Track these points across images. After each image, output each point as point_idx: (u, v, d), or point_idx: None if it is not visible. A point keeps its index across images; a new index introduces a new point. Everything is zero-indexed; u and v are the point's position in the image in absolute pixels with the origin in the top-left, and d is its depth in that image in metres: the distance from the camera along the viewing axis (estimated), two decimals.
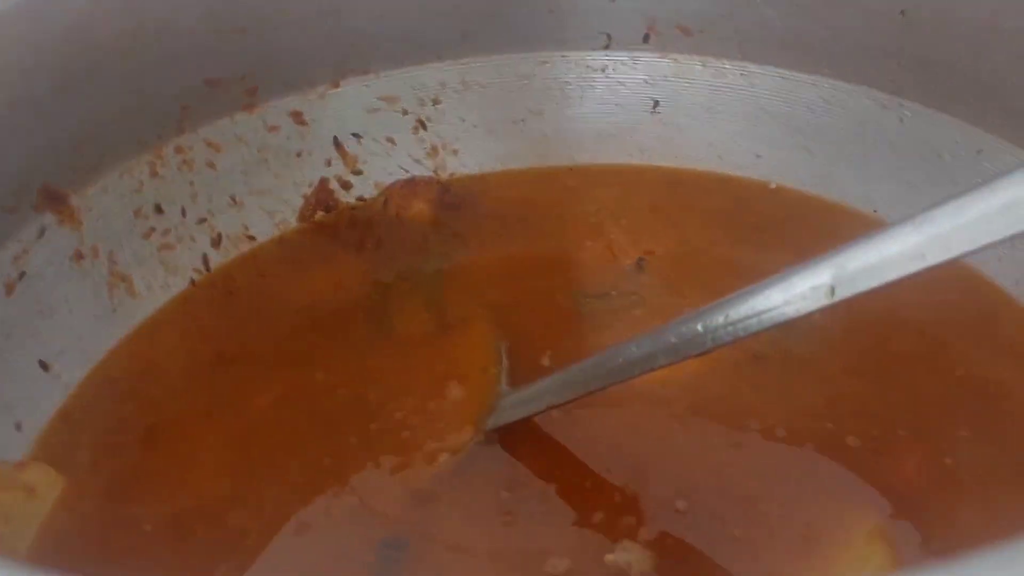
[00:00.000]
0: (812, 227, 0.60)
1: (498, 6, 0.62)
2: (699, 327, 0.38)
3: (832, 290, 0.34)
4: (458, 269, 0.59)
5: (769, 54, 0.61)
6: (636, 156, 0.66)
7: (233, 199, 0.60)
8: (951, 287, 0.53)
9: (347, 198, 0.64)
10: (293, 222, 0.62)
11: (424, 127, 0.65)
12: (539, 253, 0.60)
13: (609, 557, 0.42)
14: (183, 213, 0.58)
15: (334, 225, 0.63)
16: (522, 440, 0.47)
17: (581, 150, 0.66)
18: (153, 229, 0.57)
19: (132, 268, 0.56)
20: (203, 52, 0.55)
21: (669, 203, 0.63)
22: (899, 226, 0.32)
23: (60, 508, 0.47)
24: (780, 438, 0.47)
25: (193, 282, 0.58)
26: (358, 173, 0.64)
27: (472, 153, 0.66)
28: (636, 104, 0.65)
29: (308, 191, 0.63)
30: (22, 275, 0.51)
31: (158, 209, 0.57)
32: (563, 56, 0.65)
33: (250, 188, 0.61)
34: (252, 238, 0.61)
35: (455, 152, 0.65)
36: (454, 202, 0.63)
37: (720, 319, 0.37)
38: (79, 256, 0.53)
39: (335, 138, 0.63)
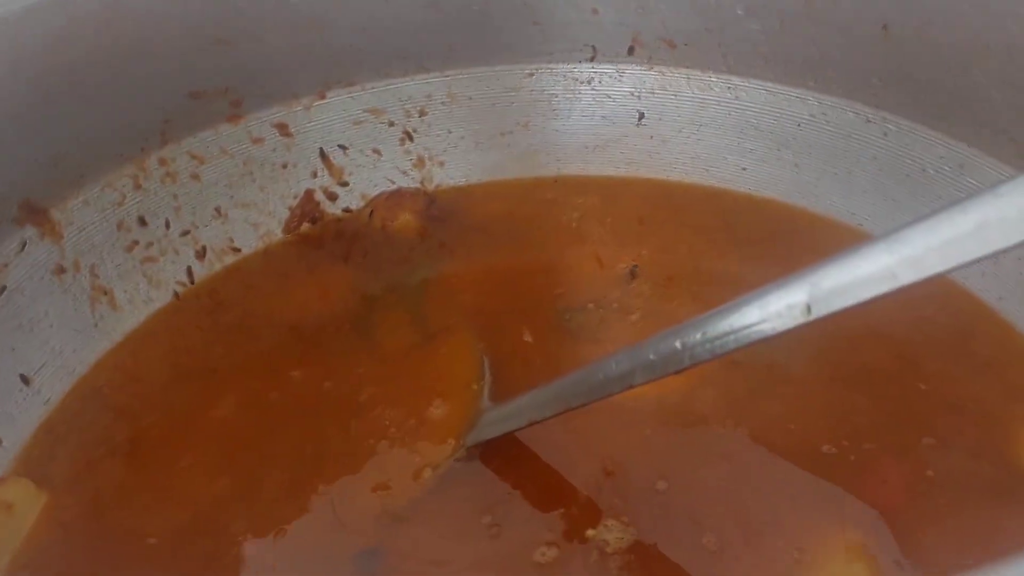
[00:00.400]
0: (797, 240, 0.60)
1: (484, 19, 0.62)
2: (677, 344, 0.38)
3: (808, 308, 0.34)
4: (444, 281, 0.59)
5: (754, 68, 0.61)
6: (623, 168, 0.66)
7: (218, 211, 0.60)
8: (934, 302, 0.53)
9: (333, 210, 0.63)
10: (278, 234, 0.62)
11: (410, 138, 0.65)
12: (525, 265, 0.60)
13: (590, 532, 0.43)
14: (167, 226, 0.58)
15: (320, 237, 0.63)
16: (502, 455, 0.47)
17: (567, 162, 0.66)
18: (136, 242, 0.57)
19: (114, 281, 0.56)
20: (186, 64, 0.55)
21: (656, 215, 0.63)
22: (872, 245, 0.32)
23: (42, 524, 0.47)
24: (758, 450, 0.47)
25: (177, 295, 0.58)
26: (344, 185, 0.64)
27: (458, 164, 0.66)
28: (622, 116, 0.65)
29: (294, 203, 0.63)
30: (2, 289, 0.51)
31: (141, 222, 0.57)
32: (549, 68, 0.65)
33: (235, 200, 0.61)
34: (237, 250, 0.61)
35: (441, 164, 0.65)
36: (440, 214, 0.63)
37: (698, 336, 0.37)
38: (60, 270, 0.53)
39: (321, 150, 0.63)
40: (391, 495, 0.46)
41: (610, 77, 0.65)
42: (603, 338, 0.54)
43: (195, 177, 0.59)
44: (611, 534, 0.44)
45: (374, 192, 0.64)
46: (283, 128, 0.62)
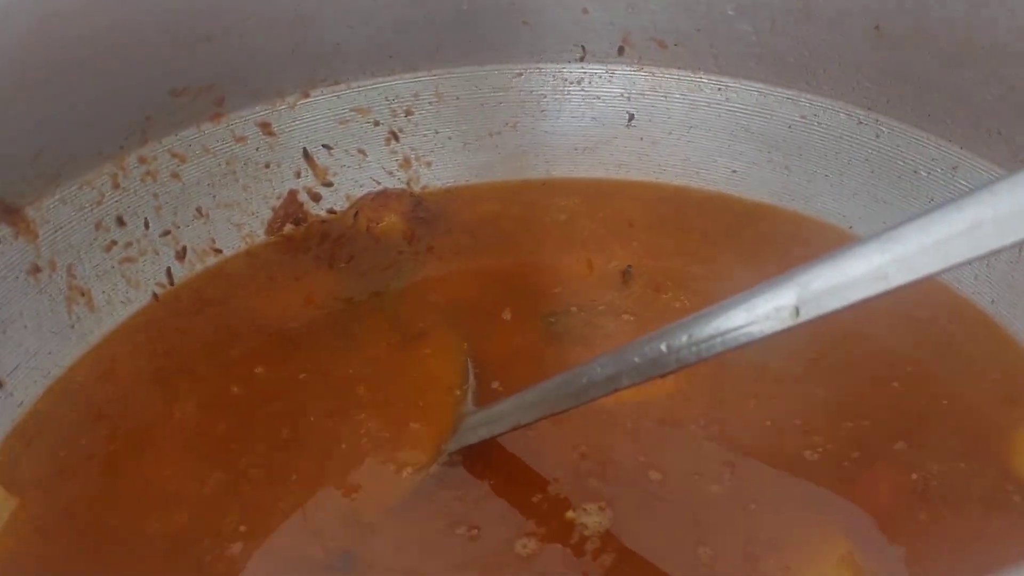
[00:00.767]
0: (788, 243, 0.59)
1: (472, 17, 0.61)
2: (663, 347, 0.37)
3: (796, 311, 0.33)
4: (430, 283, 0.58)
5: (746, 69, 0.61)
6: (612, 170, 0.65)
7: (199, 211, 0.59)
8: (926, 305, 0.53)
9: (317, 211, 0.63)
10: (261, 235, 0.61)
11: (397, 139, 0.64)
12: (512, 268, 0.60)
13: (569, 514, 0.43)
14: (146, 226, 0.57)
15: (303, 238, 0.62)
16: (484, 458, 0.47)
17: (556, 163, 0.65)
18: (115, 242, 0.56)
19: (92, 282, 0.55)
20: (167, 60, 0.54)
21: (646, 218, 0.62)
22: (863, 245, 0.31)
23: (10, 529, 0.46)
24: (746, 453, 0.47)
25: (156, 296, 0.57)
26: (328, 185, 0.63)
27: (446, 165, 0.65)
28: (612, 118, 0.65)
29: (277, 203, 0.62)
30: None
31: (120, 221, 0.56)
32: (538, 68, 0.64)
33: (217, 200, 0.60)
34: (219, 251, 0.60)
35: (428, 164, 0.65)
36: (427, 215, 0.63)
37: (684, 339, 0.36)
38: (36, 270, 0.52)
39: (305, 149, 0.62)
40: (371, 500, 0.45)
41: (600, 78, 0.64)
42: (590, 341, 0.54)
43: (176, 176, 0.58)
44: (590, 518, 0.44)
45: (359, 193, 0.63)
46: (266, 127, 0.61)
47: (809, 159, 0.60)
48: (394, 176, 0.64)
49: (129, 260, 0.56)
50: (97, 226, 0.55)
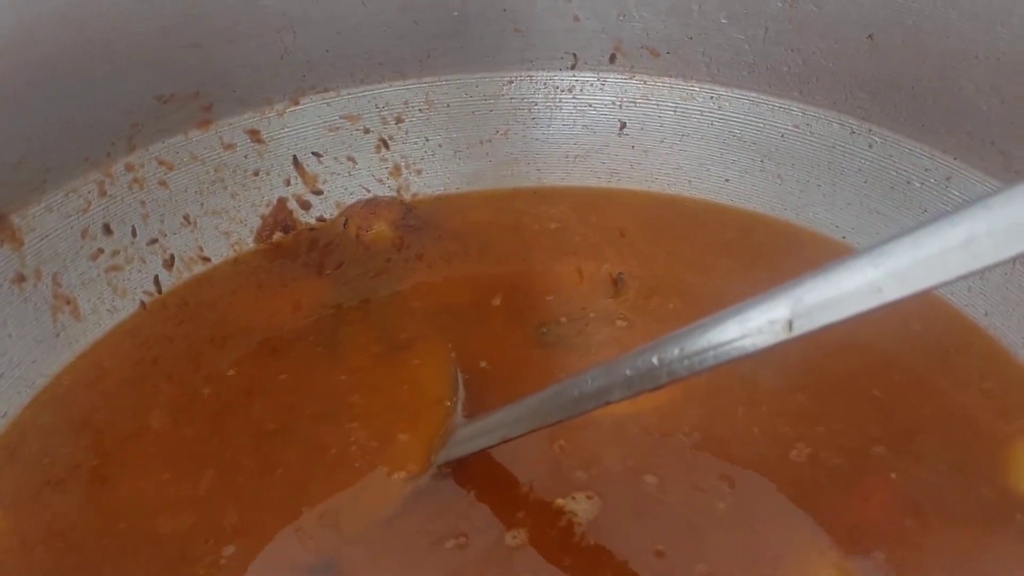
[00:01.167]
0: (780, 253, 0.59)
1: (463, 25, 0.61)
2: (655, 360, 0.36)
3: (790, 324, 0.32)
4: (419, 292, 0.58)
5: (738, 78, 0.60)
6: (604, 179, 0.65)
7: (187, 219, 0.59)
8: (920, 317, 0.53)
9: (306, 218, 0.62)
10: (250, 243, 0.61)
11: (387, 146, 0.64)
12: (503, 276, 0.59)
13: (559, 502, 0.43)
14: (133, 233, 0.57)
15: (292, 246, 0.61)
16: (472, 467, 0.46)
17: (548, 172, 0.65)
18: (101, 250, 0.55)
19: (78, 290, 0.54)
20: (154, 67, 0.54)
21: (637, 227, 0.62)
22: (857, 259, 0.31)
23: None
24: (734, 462, 0.46)
25: (143, 305, 0.57)
26: (318, 193, 0.62)
27: (436, 173, 0.64)
28: (603, 126, 0.64)
29: (266, 211, 0.61)
30: None
31: (107, 229, 0.56)
32: (529, 76, 0.64)
33: (205, 208, 0.59)
34: (207, 259, 0.59)
35: (419, 172, 0.64)
36: (417, 223, 0.62)
37: (676, 352, 0.36)
38: (20, 278, 0.52)
39: (294, 157, 0.62)
40: (359, 511, 0.45)
41: (591, 86, 0.64)
42: (582, 350, 0.53)
43: (163, 184, 0.57)
44: (578, 505, 0.44)
45: (349, 201, 0.63)
46: (255, 134, 0.60)
47: (802, 168, 0.60)
48: (384, 184, 0.64)
49: (116, 268, 0.56)
50: (83, 234, 0.55)
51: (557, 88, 0.64)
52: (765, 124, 0.61)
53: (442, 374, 0.51)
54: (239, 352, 0.54)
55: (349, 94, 0.62)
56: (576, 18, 0.61)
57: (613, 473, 0.46)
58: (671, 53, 0.61)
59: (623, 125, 0.64)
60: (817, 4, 0.55)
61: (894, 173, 0.57)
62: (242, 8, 0.55)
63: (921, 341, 0.52)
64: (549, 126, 0.65)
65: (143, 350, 0.55)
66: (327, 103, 0.62)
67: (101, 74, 0.52)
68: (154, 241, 0.57)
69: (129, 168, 0.56)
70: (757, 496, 0.45)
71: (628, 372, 0.37)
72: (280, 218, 0.61)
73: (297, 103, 0.61)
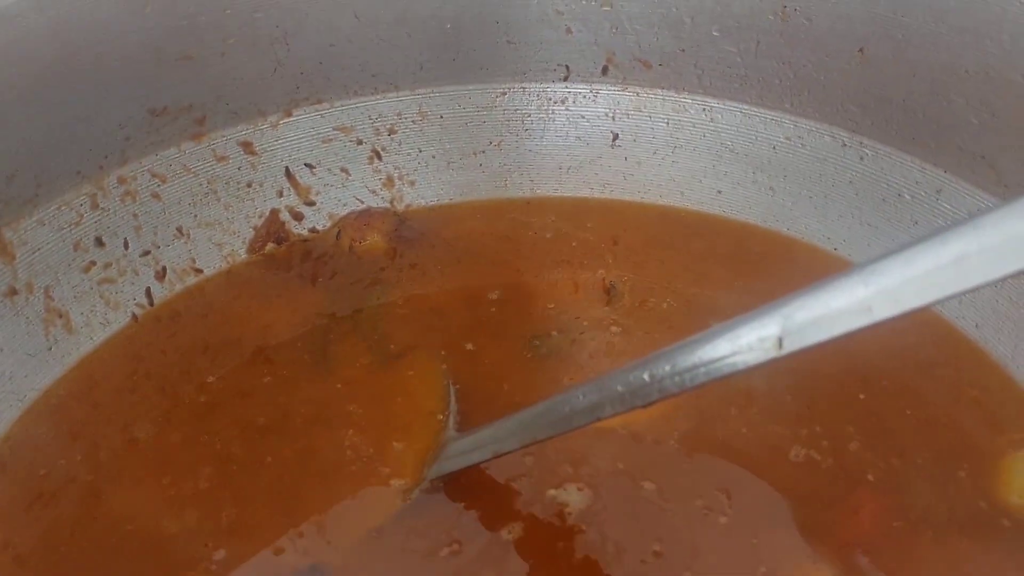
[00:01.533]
0: (772, 264, 0.59)
1: (455, 37, 0.61)
2: (646, 376, 0.36)
3: (780, 342, 0.32)
4: (412, 304, 0.58)
5: (730, 90, 0.61)
6: (596, 190, 0.65)
7: (179, 231, 0.58)
8: (910, 329, 0.53)
9: (299, 230, 0.62)
10: (243, 255, 0.61)
11: (380, 157, 0.64)
12: (496, 288, 0.59)
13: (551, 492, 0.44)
14: (125, 246, 0.56)
15: (285, 257, 0.61)
16: (467, 484, 0.46)
17: (541, 183, 0.65)
18: (93, 263, 0.55)
19: (70, 304, 0.54)
20: (146, 80, 0.54)
21: (630, 238, 0.62)
22: (847, 276, 0.31)
23: None
24: (724, 468, 0.47)
25: (136, 317, 0.57)
26: (311, 204, 0.62)
27: (430, 184, 0.64)
28: (596, 137, 0.64)
29: (259, 223, 0.61)
30: None
31: (99, 242, 0.55)
32: (522, 87, 0.64)
33: (198, 220, 0.59)
34: (199, 271, 0.59)
35: (412, 183, 0.64)
36: (410, 234, 0.62)
37: (667, 368, 0.36)
38: (12, 292, 0.52)
39: (287, 168, 0.62)
40: (351, 523, 0.45)
41: (584, 97, 0.64)
42: (575, 361, 0.53)
43: (156, 196, 0.57)
44: (570, 496, 0.44)
45: (342, 212, 0.63)
46: (248, 146, 0.60)
47: (793, 180, 0.60)
48: (377, 195, 0.64)
49: (108, 281, 0.56)
50: (76, 247, 0.55)
51: (550, 100, 0.64)
52: (757, 136, 0.61)
53: (434, 386, 0.51)
54: (232, 363, 0.54)
55: (342, 106, 0.62)
56: (569, 30, 0.61)
57: (604, 472, 0.46)
58: (663, 65, 0.61)
59: (616, 137, 0.64)
60: (808, 18, 0.55)
61: (885, 185, 0.57)
62: (235, 21, 0.55)
63: (912, 353, 0.52)
64: (542, 137, 0.65)
65: (136, 362, 0.54)
66: (320, 115, 0.62)
67: (93, 87, 0.52)
68: (147, 253, 0.57)
69: (122, 181, 0.56)
70: (752, 507, 0.45)
71: (619, 388, 0.37)
72: (273, 229, 0.61)
73: (290, 115, 0.61)
